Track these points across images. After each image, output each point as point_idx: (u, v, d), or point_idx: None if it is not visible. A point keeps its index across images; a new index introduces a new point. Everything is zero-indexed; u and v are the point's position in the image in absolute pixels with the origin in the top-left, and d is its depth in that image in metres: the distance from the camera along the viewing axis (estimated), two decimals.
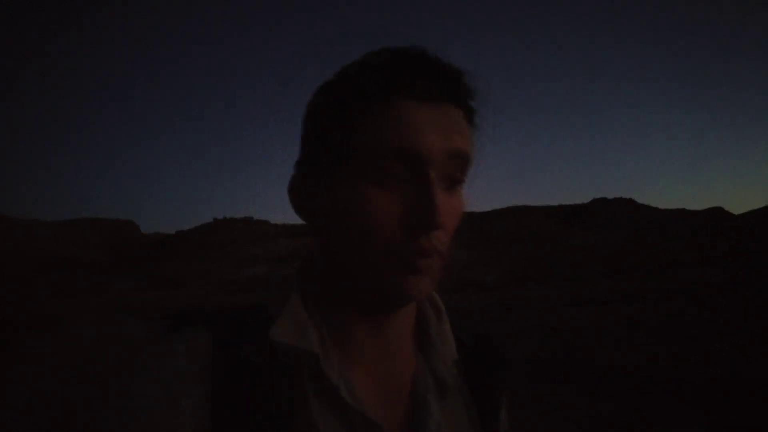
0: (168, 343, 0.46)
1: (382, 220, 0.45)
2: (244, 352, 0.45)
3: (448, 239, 0.48)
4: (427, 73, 0.46)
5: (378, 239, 0.45)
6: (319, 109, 0.50)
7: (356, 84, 0.47)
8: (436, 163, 0.45)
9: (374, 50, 0.48)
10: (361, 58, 0.48)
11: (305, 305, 0.50)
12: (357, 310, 0.50)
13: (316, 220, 0.51)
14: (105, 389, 0.41)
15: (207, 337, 0.46)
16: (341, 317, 0.50)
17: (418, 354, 0.54)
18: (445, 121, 0.46)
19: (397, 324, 0.52)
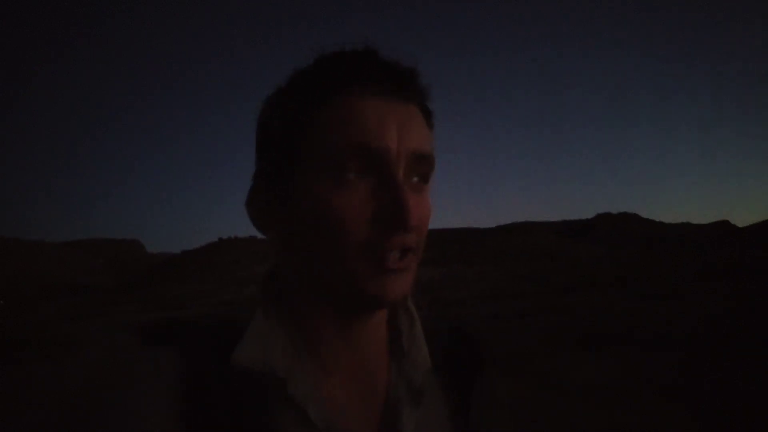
0: (137, 363, 0.44)
1: (351, 219, 0.43)
2: (211, 373, 0.45)
3: (422, 239, 0.47)
4: (383, 69, 0.45)
5: (349, 239, 0.43)
6: (270, 114, 0.48)
7: (307, 81, 0.46)
8: (400, 162, 0.44)
9: (326, 51, 0.47)
10: (314, 59, 0.47)
11: (271, 322, 0.48)
12: (329, 319, 0.48)
13: (278, 231, 0.49)
14: (71, 412, 0.41)
15: (176, 357, 0.45)
16: (313, 329, 0.49)
17: (391, 362, 0.53)
18: (405, 119, 0.45)
19: (372, 332, 0.51)
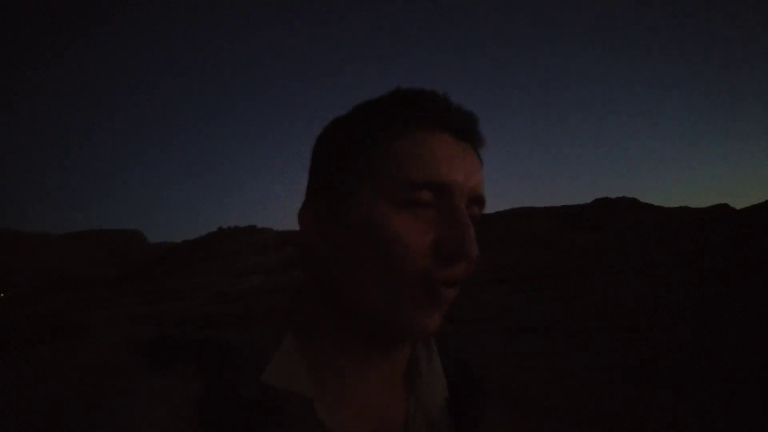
0: (159, 380, 0.44)
1: (412, 244, 0.43)
2: (234, 394, 0.44)
3: (470, 273, 0.47)
4: (454, 110, 0.47)
5: (407, 265, 0.43)
6: (342, 134, 0.49)
7: (387, 110, 0.47)
8: (464, 198, 0.46)
9: (391, 91, 0.49)
10: (379, 96, 0.49)
11: (299, 344, 0.48)
12: (354, 347, 0.48)
13: (326, 245, 0.48)
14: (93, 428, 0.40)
15: (198, 376, 0.44)
16: (337, 356, 0.48)
17: (409, 393, 0.52)
18: (470, 161, 0.47)
19: (393, 363, 0.51)
